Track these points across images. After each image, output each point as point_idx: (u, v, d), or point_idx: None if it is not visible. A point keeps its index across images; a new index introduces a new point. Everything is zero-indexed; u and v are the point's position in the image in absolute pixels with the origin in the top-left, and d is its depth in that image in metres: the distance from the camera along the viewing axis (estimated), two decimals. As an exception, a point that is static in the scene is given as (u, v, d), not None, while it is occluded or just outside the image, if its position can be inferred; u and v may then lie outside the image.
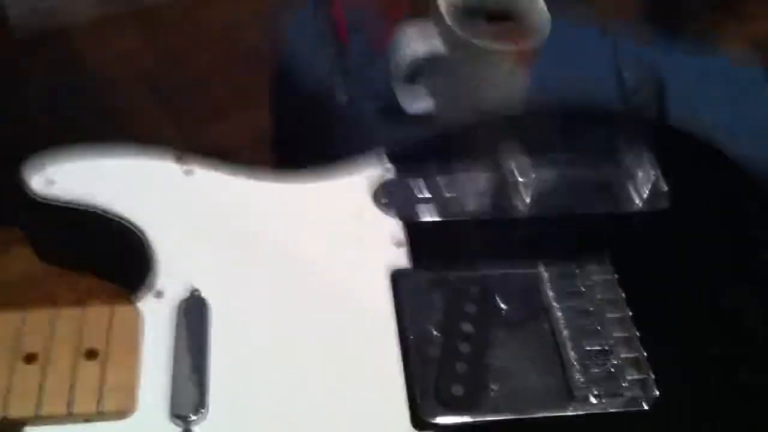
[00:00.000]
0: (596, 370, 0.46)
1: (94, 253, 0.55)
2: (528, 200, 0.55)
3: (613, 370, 0.47)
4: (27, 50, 1.59)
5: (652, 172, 0.54)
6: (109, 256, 0.54)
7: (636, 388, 0.46)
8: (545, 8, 0.81)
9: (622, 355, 0.47)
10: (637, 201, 0.55)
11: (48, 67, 1.57)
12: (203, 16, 1.60)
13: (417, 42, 0.79)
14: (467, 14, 0.85)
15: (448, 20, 0.78)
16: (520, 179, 0.54)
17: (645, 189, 0.55)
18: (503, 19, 0.86)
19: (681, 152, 0.58)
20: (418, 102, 0.85)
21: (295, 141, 0.98)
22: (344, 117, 0.88)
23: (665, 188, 0.56)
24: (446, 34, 0.77)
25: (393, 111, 0.85)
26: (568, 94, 0.89)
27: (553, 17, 0.79)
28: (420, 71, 0.85)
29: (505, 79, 0.81)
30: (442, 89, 0.83)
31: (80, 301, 0.50)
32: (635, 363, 0.47)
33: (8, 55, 1.57)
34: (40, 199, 0.51)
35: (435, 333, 0.48)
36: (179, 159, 0.56)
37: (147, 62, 1.55)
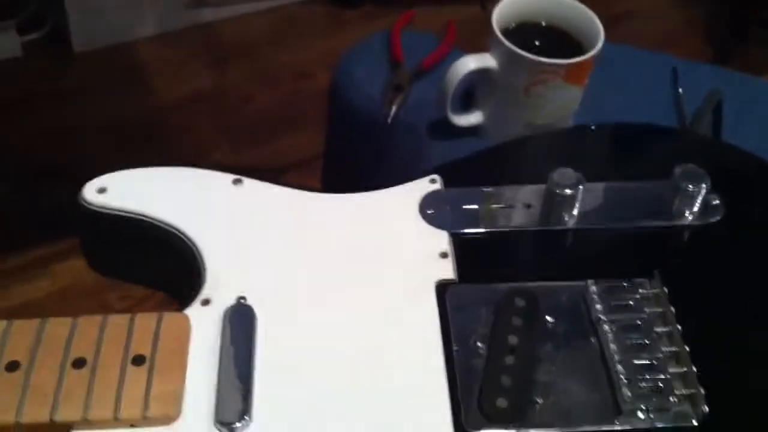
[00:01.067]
0: (644, 385, 0.46)
1: (144, 263, 0.56)
2: (576, 213, 0.54)
3: (661, 385, 0.46)
4: (90, 70, 1.63)
5: (703, 186, 0.53)
6: (159, 266, 0.55)
7: (685, 403, 0.45)
8: (599, 23, 0.80)
9: (671, 370, 0.46)
10: (688, 215, 0.54)
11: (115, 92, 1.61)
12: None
13: (469, 57, 0.79)
14: (520, 29, 0.85)
15: (498, 33, 0.78)
16: (568, 192, 0.53)
17: (696, 203, 0.54)
18: (557, 34, 0.86)
19: (732, 167, 0.57)
20: (468, 117, 0.85)
21: (346, 158, 0.99)
22: (395, 133, 0.88)
23: (716, 202, 0.55)
24: (498, 48, 0.77)
25: (444, 127, 0.85)
26: (620, 114, 0.89)
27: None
28: (472, 87, 0.86)
29: (556, 95, 0.80)
30: (493, 104, 0.84)
31: (131, 310, 0.50)
32: (684, 378, 0.46)
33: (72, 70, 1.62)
34: (91, 208, 0.52)
35: (480, 345, 0.48)
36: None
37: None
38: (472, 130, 0.87)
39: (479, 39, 0.80)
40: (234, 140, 1.61)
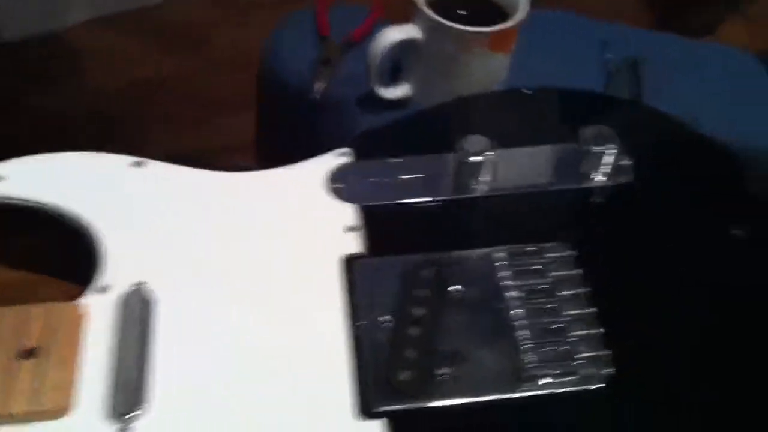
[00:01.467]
0: (549, 349, 0.45)
1: (47, 252, 0.54)
2: (486, 180, 0.53)
3: (567, 347, 0.45)
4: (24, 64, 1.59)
5: (612, 147, 0.52)
6: (62, 254, 0.53)
7: (591, 366, 0.44)
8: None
9: (576, 333, 0.45)
10: (598, 177, 0.53)
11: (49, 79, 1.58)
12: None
13: (392, 28, 0.78)
14: (443, 1, 0.84)
15: (421, 2, 0.77)
16: (477, 159, 0.52)
17: (605, 164, 0.53)
18: (482, 2, 0.84)
19: (646, 128, 0.56)
20: (395, 90, 0.84)
21: (277, 137, 0.98)
22: (326, 109, 0.87)
23: (627, 163, 0.54)
24: (421, 18, 0.76)
25: (374, 100, 0.84)
26: (550, 80, 0.88)
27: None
28: (399, 59, 0.84)
29: (482, 63, 0.79)
30: (420, 76, 0.82)
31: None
32: (590, 340, 0.45)
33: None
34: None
35: (387, 318, 0.47)
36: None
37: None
38: (402, 103, 0.85)
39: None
40: (177, 125, 1.58)
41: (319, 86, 0.87)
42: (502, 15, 0.81)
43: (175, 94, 1.62)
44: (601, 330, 0.45)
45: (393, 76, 0.86)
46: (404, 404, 0.43)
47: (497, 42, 0.78)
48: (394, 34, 0.79)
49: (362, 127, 0.87)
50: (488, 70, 0.81)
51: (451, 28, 0.76)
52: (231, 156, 1.49)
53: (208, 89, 1.63)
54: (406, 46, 0.80)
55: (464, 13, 0.84)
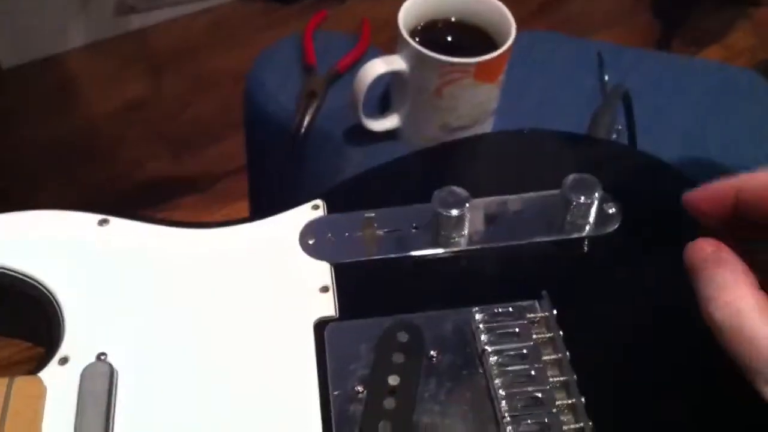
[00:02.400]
0: (530, 422, 0.42)
1: (8, 317, 0.52)
2: (464, 234, 0.51)
3: (547, 420, 0.42)
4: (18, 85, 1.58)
5: (595, 195, 0.50)
6: (23, 320, 0.51)
7: (573, 437, 0.42)
8: (510, 17, 0.78)
9: (558, 402, 0.43)
10: (582, 227, 0.51)
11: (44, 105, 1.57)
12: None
13: (377, 60, 0.76)
14: (430, 27, 0.82)
15: (404, 33, 0.75)
16: (454, 212, 0.50)
17: (588, 214, 0.51)
18: (469, 30, 0.83)
19: (629, 172, 0.54)
20: (384, 122, 0.82)
21: (264, 168, 0.96)
22: (312, 143, 0.85)
23: (612, 210, 0.52)
24: (405, 48, 0.75)
25: (362, 133, 0.82)
26: (548, 108, 0.86)
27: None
28: (387, 89, 0.83)
29: (468, 94, 0.77)
30: (407, 107, 0.81)
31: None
32: (573, 410, 0.43)
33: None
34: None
35: (359, 389, 0.45)
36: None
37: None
38: (392, 135, 0.84)
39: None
40: (172, 149, 1.57)
41: (303, 120, 0.85)
42: (491, 42, 0.79)
43: (170, 116, 1.61)
44: (583, 400, 0.43)
45: (381, 107, 0.84)
46: (376, 484, 0.41)
47: (483, 73, 0.76)
48: (379, 67, 0.78)
49: (350, 160, 0.86)
50: (476, 102, 0.79)
51: (434, 59, 0.75)
52: (229, 178, 1.48)
53: (204, 111, 1.62)
54: (391, 76, 0.78)
55: (451, 40, 0.82)
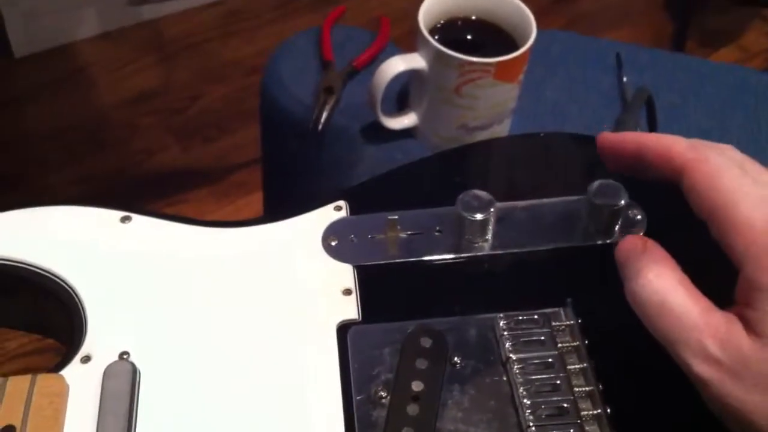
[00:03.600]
0: (554, 432, 0.42)
1: (29, 312, 0.52)
2: (488, 238, 0.51)
3: (572, 431, 0.42)
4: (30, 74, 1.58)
5: (621, 201, 0.49)
6: (44, 316, 0.51)
7: (598, 449, 0.42)
8: (531, 16, 0.77)
9: (584, 413, 0.43)
10: (608, 233, 0.51)
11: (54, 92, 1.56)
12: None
13: (397, 58, 0.76)
14: (450, 25, 0.82)
15: (425, 31, 0.75)
16: (478, 216, 0.50)
17: (614, 220, 0.50)
18: (489, 29, 0.82)
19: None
20: (402, 119, 0.82)
21: (280, 162, 0.95)
22: (328, 139, 0.85)
23: (639, 216, 0.51)
24: (425, 47, 0.74)
25: (379, 130, 0.82)
26: (566, 108, 0.85)
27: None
28: (405, 86, 0.82)
29: (488, 93, 0.77)
30: (426, 105, 0.80)
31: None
32: (598, 420, 0.43)
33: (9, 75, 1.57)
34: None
35: (382, 393, 0.44)
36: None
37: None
38: (409, 132, 0.84)
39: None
40: (183, 139, 1.57)
41: (320, 116, 0.85)
42: (511, 41, 0.79)
43: (181, 107, 1.61)
44: (609, 410, 0.42)
45: (400, 104, 0.84)
46: (399, 490, 0.41)
47: (503, 72, 0.76)
48: (398, 65, 0.77)
49: (365, 156, 0.85)
50: (495, 101, 0.79)
51: (454, 57, 0.74)
52: (240, 171, 1.47)
53: (215, 102, 1.61)
54: (410, 74, 0.78)
55: (471, 38, 0.81)
